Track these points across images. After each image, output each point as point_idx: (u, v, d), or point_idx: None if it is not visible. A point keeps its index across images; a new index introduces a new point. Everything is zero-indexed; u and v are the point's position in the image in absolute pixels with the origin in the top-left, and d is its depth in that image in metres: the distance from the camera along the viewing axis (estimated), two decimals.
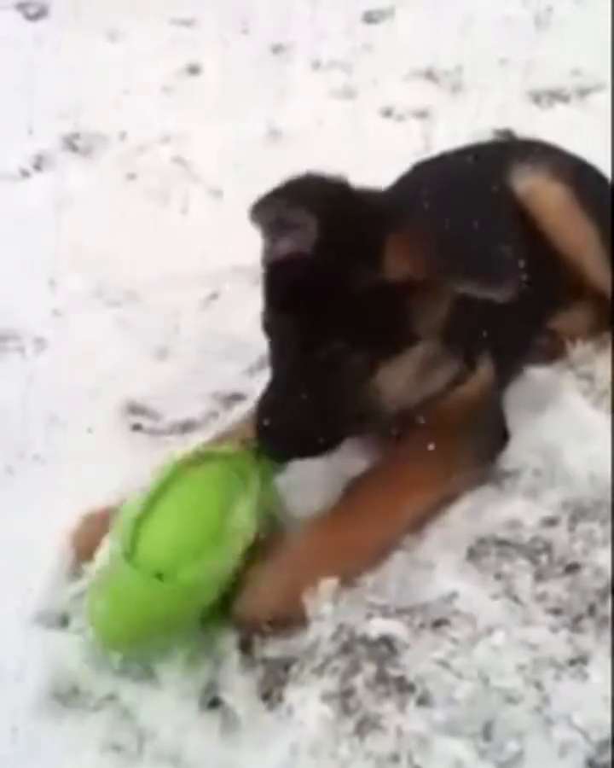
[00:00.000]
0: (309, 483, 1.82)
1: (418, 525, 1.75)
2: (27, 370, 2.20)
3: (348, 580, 1.66)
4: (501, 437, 1.88)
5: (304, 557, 1.66)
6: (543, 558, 1.73)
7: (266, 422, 1.67)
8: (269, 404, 1.70)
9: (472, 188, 1.98)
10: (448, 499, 1.80)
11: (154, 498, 1.62)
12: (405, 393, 1.76)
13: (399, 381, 1.73)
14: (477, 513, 1.79)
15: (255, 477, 1.68)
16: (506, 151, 2.17)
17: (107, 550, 1.62)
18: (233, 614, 1.62)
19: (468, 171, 2.06)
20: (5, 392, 2.14)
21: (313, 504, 1.77)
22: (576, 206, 2.02)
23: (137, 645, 1.61)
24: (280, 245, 1.73)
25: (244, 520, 1.63)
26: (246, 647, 1.63)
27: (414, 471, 1.76)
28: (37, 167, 2.99)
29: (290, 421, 1.67)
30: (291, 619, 1.63)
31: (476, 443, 1.84)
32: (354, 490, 1.75)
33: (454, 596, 1.66)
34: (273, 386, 1.72)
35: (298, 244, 1.69)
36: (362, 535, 1.70)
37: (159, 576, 1.54)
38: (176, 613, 1.57)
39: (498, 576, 1.70)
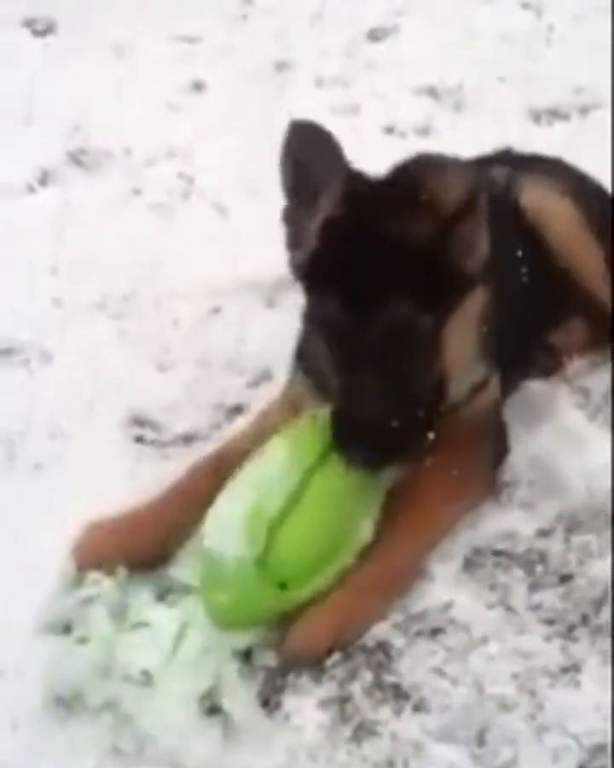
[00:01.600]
0: None
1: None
2: (32, 383, 2.24)
3: (393, 604, 1.67)
4: (505, 449, 1.91)
5: (352, 589, 1.65)
6: (538, 569, 1.76)
7: (346, 434, 1.61)
8: (346, 411, 1.61)
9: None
10: (470, 510, 1.82)
11: (292, 502, 1.61)
12: (467, 365, 1.74)
13: (465, 343, 1.70)
14: (473, 524, 1.82)
15: (380, 487, 1.69)
16: (515, 163, 2.18)
17: (222, 512, 1.64)
18: (283, 651, 1.63)
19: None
20: (10, 404, 2.17)
21: None
22: (581, 221, 2.04)
23: (245, 629, 1.66)
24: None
25: (366, 533, 1.67)
26: (245, 654, 1.66)
27: (444, 487, 1.76)
28: (43, 182, 3.02)
29: (371, 425, 1.60)
30: (347, 647, 1.64)
31: (490, 454, 1.87)
32: (390, 514, 1.73)
33: (450, 605, 1.69)
34: (344, 397, 1.63)
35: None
36: (405, 559, 1.70)
37: (284, 585, 1.59)
38: (286, 611, 1.63)
39: (493, 586, 1.73)
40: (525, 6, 3.61)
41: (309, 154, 1.63)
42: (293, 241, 1.71)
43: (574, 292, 2.08)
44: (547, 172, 2.11)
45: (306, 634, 1.63)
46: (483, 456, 1.84)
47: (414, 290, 1.59)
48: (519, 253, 1.97)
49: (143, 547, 1.81)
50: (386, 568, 1.68)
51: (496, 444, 1.89)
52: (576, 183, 2.12)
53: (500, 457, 1.89)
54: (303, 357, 1.91)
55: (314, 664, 1.63)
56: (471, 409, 1.82)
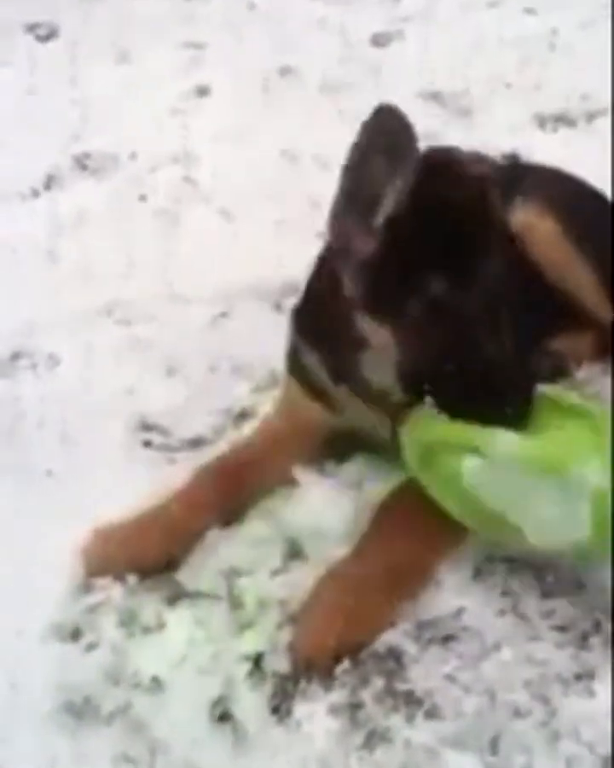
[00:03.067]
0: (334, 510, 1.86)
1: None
2: (40, 388, 2.23)
3: (407, 602, 1.65)
4: None
5: (354, 590, 1.64)
6: (549, 575, 1.75)
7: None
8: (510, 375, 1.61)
9: None
10: None
11: None
12: None
13: None
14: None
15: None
16: (512, 175, 2.17)
17: None
18: (291, 649, 1.63)
19: None
20: (18, 409, 2.17)
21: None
22: (567, 242, 2.00)
23: None
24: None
25: None
26: (255, 660, 1.65)
27: None
28: (48, 187, 3.02)
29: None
30: (357, 651, 1.63)
31: None
32: (390, 505, 1.73)
33: (461, 611, 1.68)
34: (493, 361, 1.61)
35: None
36: (411, 561, 1.67)
37: None
38: None
39: (505, 593, 1.72)
40: (530, 12, 3.62)
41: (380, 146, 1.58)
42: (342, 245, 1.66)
43: (570, 305, 2.06)
44: (539, 189, 2.06)
45: (311, 637, 1.63)
46: None
47: (492, 252, 1.61)
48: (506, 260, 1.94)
49: (150, 552, 1.80)
50: (391, 570, 1.66)
51: None
52: (567, 201, 2.07)
53: None
54: (295, 363, 1.91)
55: (324, 669, 1.62)
56: None
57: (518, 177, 2.09)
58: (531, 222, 2.00)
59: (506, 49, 3.38)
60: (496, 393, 1.60)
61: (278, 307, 2.41)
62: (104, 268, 2.55)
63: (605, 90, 3.01)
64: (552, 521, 1.58)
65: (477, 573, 1.74)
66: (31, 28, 3.95)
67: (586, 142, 2.87)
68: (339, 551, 1.74)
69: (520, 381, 1.63)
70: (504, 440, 1.59)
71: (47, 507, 1.92)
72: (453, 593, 1.70)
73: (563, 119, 3.08)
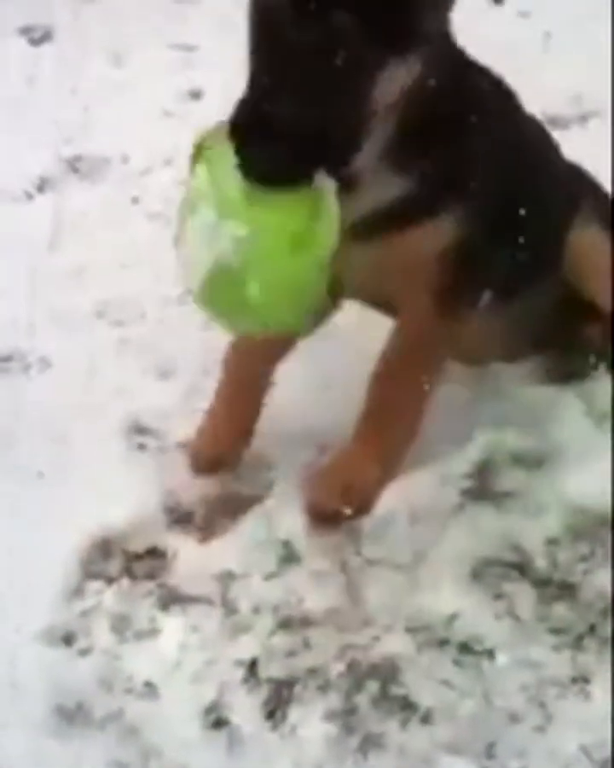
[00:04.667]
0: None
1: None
2: (32, 390, 2.22)
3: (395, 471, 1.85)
4: (471, 291, 1.86)
5: (350, 461, 1.86)
6: (545, 578, 1.74)
7: (243, 138, 1.43)
8: (247, 114, 1.44)
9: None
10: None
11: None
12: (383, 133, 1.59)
13: (392, 94, 1.54)
14: (478, 533, 1.81)
15: None
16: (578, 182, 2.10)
17: None
18: (305, 506, 1.82)
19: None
20: (9, 411, 2.15)
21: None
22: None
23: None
24: None
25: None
26: (250, 665, 1.64)
27: (412, 345, 1.85)
28: (40, 189, 3.01)
29: (273, 133, 1.42)
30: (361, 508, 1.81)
31: (451, 298, 1.83)
32: (378, 380, 1.86)
33: (456, 616, 1.67)
34: (252, 87, 1.46)
35: None
36: (395, 429, 1.86)
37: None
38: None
39: (500, 596, 1.71)
40: (523, 14, 3.61)
41: None
42: None
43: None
44: (599, 207, 2.05)
45: (315, 496, 1.83)
46: (441, 302, 1.82)
47: (365, 18, 1.44)
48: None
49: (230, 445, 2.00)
50: (378, 443, 1.85)
51: (456, 289, 1.83)
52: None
53: (466, 300, 1.86)
54: None
55: (332, 522, 1.80)
56: (405, 241, 1.73)
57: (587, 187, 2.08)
58: (592, 246, 2.00)
59: (498, 51, 3.37)
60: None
61: None
62: (97, 269, 2.54)
63: (598, 91, 3.01)
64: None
65: (473, 577, 1.74)
66: (25, 31, 3.94)
67: (579, 144, 2.86)
68: None
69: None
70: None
71: (38, 510, 1.91)
72: (448, 597, 1.70)
73: (556, 121, 3.07)
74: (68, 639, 1.70)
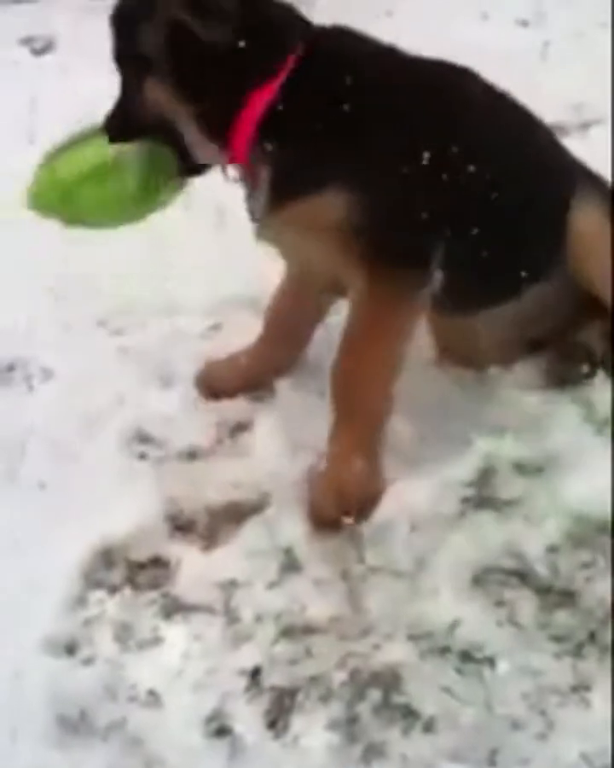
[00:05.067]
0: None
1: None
2: (33, 400, 2.23)
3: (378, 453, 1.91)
4: (411, 262, 1.88)
5: (336, 461, 1.90)
6: (546, 585, 1.75)
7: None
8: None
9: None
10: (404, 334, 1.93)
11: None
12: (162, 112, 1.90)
13: (162, 101, 1.89)
14: (479, 540, 1.81)
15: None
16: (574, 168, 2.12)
17: None
18: (310, 515, 1.87)
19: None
20: (12, 421, 2.16)
21: None
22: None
23: None
24: None
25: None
26: (253, 674, 1.64)
27: (366, 318, 1.89)
28: None
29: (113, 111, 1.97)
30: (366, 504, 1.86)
31: (384, 273, 1.86)
32: (337, 373, 1.92)
33: (457, 623, 1.68)
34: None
35: None
36: (365, 412, 1.90)
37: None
38: None
39: (501, 603, 1.71)
40: (523, 23, 3.63)
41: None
42: None
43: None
44: (603, 195, 2.05)
45: (315, 503, 1.87)
46: (375, 280, 1.86)
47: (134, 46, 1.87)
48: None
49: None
50: (353, 433, 1.89)
51: (386, 266, 1.86)
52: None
53: (403, 277, 1.88)
54: None
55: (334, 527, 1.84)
56: (297, 211, 1.87)
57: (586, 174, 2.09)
58: (596, 230, 2.00)
59: (498, 59, 3.38)
60: None
61: None
62: (98, 280, 2.55)
63: (599, 99, 3.02)
64: None
65: (474, 584, 1.74)
66: (27, 41, 3.95)
67: (580, 152, 2.88)
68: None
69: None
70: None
71: (40, 520, 1.91)
72: (449, 605, 1.70)
73: (557, 129, 3.08)
74: (71, 649, 1.71)
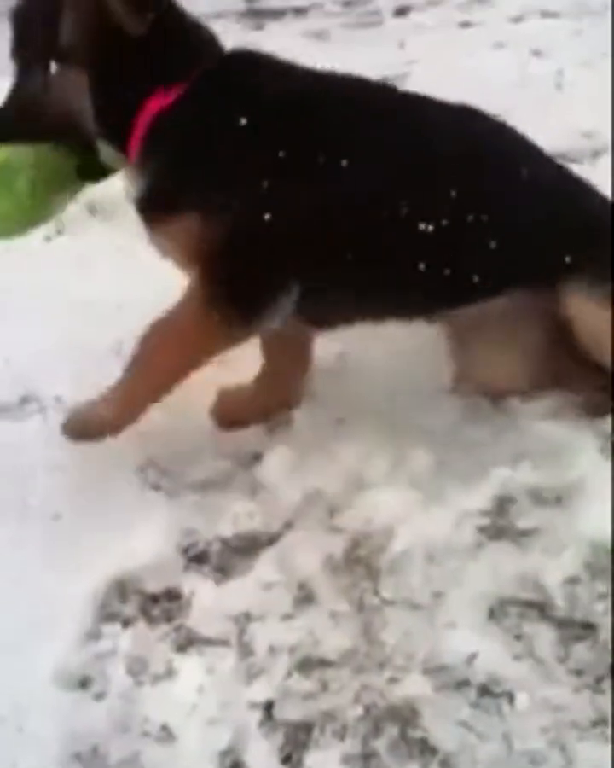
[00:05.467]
0: None
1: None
2: (47, 431, 2.22)
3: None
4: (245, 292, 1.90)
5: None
6: (564, 618, 1.72)
7: None
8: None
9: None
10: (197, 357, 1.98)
11: None
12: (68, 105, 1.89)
13: (70, 92, 1.87)
14: (496, 571, 1.79)
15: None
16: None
17: None
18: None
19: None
20: (26, 453, 2.15)
21: None
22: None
23: None
24: None
25: None
26: (266, 708, 1.62)
27: (180, 317, 1.97)
28: (60, 232, 3.03)
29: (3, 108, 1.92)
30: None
31: (205, 292, 1.91)
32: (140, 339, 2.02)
33: (475, 656, 1.65)
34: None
35: None
36: (141, 382, 2.01)
37: None
38: None
39: (519, 637, 1.69)
40: (536, 53, 3.64)
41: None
42: None
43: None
44: (601, 274, 1.96)
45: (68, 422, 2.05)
46: (209, 299, 1.90)
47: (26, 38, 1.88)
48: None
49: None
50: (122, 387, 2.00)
51: (225, 292, 1.89)
52: None
53: (238, 305, 1.90)
54: None
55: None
56: (156, 228, 1.95)
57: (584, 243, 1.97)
58: (588, 314, 1.95)
59: (511, 88, 3.40)
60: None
61: None
62: (111, 308, 2.55)
63: (609, 128, 3.02)
64: None
65: (491, 616, 1.72)
66: None
67: (592, 180, 2.88)
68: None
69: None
70: None
71: (55, 550, 1.90)
72: (466, 638, 1.68)
73: (566, 158, 3.08)
74: (84, 682, 1.69)
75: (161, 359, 1.98)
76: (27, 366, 2.39)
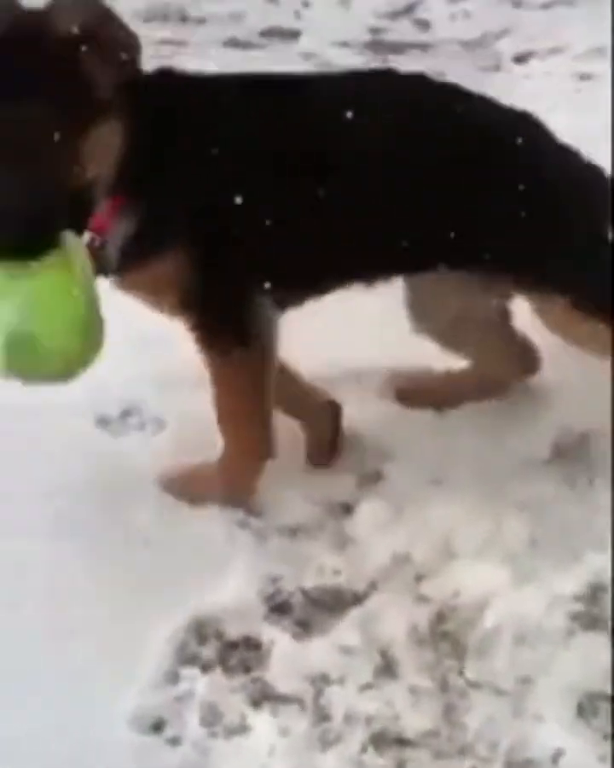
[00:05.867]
0: None
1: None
2: (144, 452, 2.19)
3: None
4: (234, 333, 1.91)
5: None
6: None
7: None
8: None
9: None
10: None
11: None
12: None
13: (104, 155, 1.68)
14: (587, 663, 1.73)
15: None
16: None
17: None
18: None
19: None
20: (125, 470, 2.13)
21: None
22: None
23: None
24: None
25: None
26: None
27: (220, 386, 1.96)
28: None
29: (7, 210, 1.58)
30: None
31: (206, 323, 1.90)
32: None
33: (561, 753, 1.60)
34: None
35: None
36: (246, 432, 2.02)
37: None
38: None
39: (607, 736, 1.63)
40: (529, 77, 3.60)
41: None
42: None
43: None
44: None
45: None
46: (201, 337, 1.91)
47: (46, 95, 1.58)
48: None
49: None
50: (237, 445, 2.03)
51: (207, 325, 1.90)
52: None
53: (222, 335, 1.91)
54: None
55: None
56: (136, 276, 1.85)
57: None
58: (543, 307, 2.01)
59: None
60: None
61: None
62: None
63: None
64: None
65: (580, 712, 1.66)
66: None
67: None
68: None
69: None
70: None
71: (140, 581, 1.88)
72: (553, 732, 1.63)
73: None
74: (158, 726, 1.67)
75: (233, 408, 2.00)
76: (128, 384, 2.34)
